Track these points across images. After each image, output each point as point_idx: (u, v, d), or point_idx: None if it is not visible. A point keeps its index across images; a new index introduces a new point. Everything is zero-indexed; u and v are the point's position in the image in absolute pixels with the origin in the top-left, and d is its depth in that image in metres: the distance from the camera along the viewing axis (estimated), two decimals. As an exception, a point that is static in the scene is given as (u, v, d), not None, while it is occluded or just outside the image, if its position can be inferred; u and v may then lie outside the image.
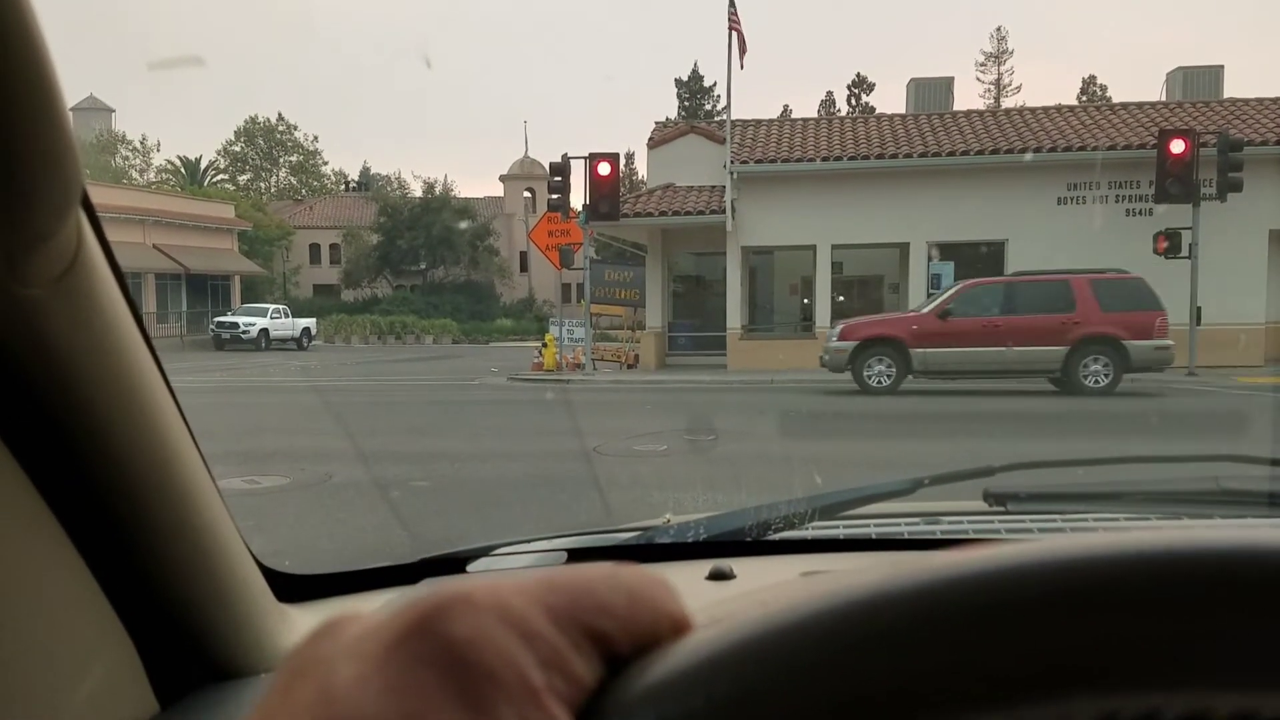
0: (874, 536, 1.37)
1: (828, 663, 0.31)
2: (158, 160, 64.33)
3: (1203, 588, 0.31)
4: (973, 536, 1.34)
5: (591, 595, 0.33)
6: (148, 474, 0.73)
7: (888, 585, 0.32)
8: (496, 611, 0.31)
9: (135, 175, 59.42)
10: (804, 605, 0.33)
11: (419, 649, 0.30)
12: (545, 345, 22.94)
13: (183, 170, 62.48)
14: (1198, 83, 26.59)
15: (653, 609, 0.34)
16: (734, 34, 21.20)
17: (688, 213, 22.20)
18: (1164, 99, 26.15)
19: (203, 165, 64.21)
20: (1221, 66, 27.04)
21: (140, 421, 0.72)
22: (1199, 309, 18.77)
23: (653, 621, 0.34)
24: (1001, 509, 1.41)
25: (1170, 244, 18.98)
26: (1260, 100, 23.01)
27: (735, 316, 22.44)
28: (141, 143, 61.89)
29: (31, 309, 0.58)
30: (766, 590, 0.48)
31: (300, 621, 1.04)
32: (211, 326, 37.87)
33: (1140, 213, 20.88)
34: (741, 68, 21.75)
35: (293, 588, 1.12)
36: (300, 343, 38.30)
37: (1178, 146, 18.41)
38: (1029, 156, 20.52)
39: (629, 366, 23.19)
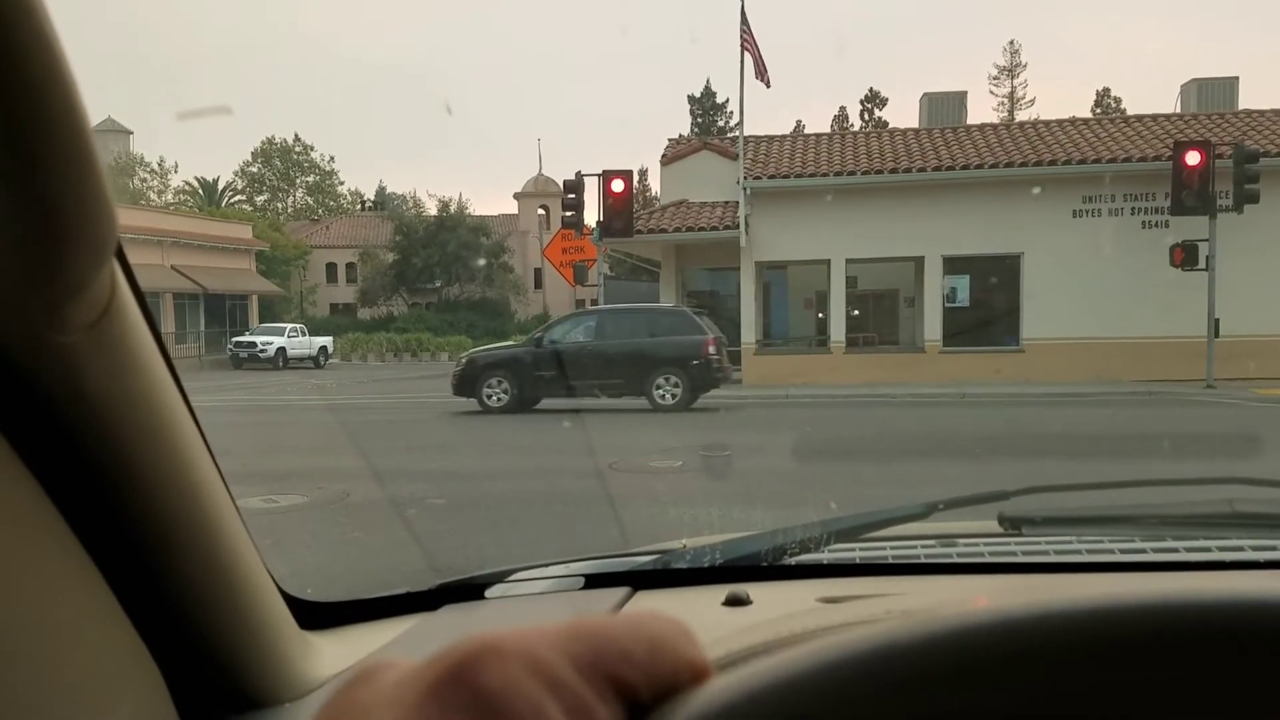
0: (890, 560, 1.37)
1: (838, 713, 0.33)
2: (175, 181, 64.88)
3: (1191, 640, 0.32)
4: (988, 560, 1.34)
5: (614, 644, 0.34)
6: (176, 511, 0.75)
7: (896, 638, 0.34)
8: (524, 661, 0.32)
9: (153, 196, 59.96)
10: (817, 656, 0.34)
11: (452, 698, 0.31)
12: (560, 362, 22.95)
13: (200, 191, 63.02)
14: (1212, 94, 26.49)
15: (673, 657, 0.35)
16: (746, 53, 21.25)
17: (701, 228, 22.23)
18: (1178, 111, 26.04)
19: (220, 186, 64.77)
20: (1236, 78, 26.93)
21: (170, 461, 0.74)
22: (1216, 321, 18.65)
23: (673, 669, 0.35)
24: (1017, 532, 1.42)
25: (1187, 256, 18.89)
26: (1276, 111, 22.91)
27: (750, 331, 22.43)
28: (159, 164, 62.56)
29: (67, 355, 0.60)
30: (782, 621, 0.49)
31: (322, 649, 1.06)
32: (229, 346, 38.09)
33: (1156, 225, 20.78)
34: (768, 86, 21.71)
35: (314, 615, 1.13)
36: (317, 361, 38.46)
37: (1193, 158, 18.34)
38: (1037, 190, 20.44)
39: (644, 382, 23.15)
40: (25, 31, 0.45)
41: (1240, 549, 1.33)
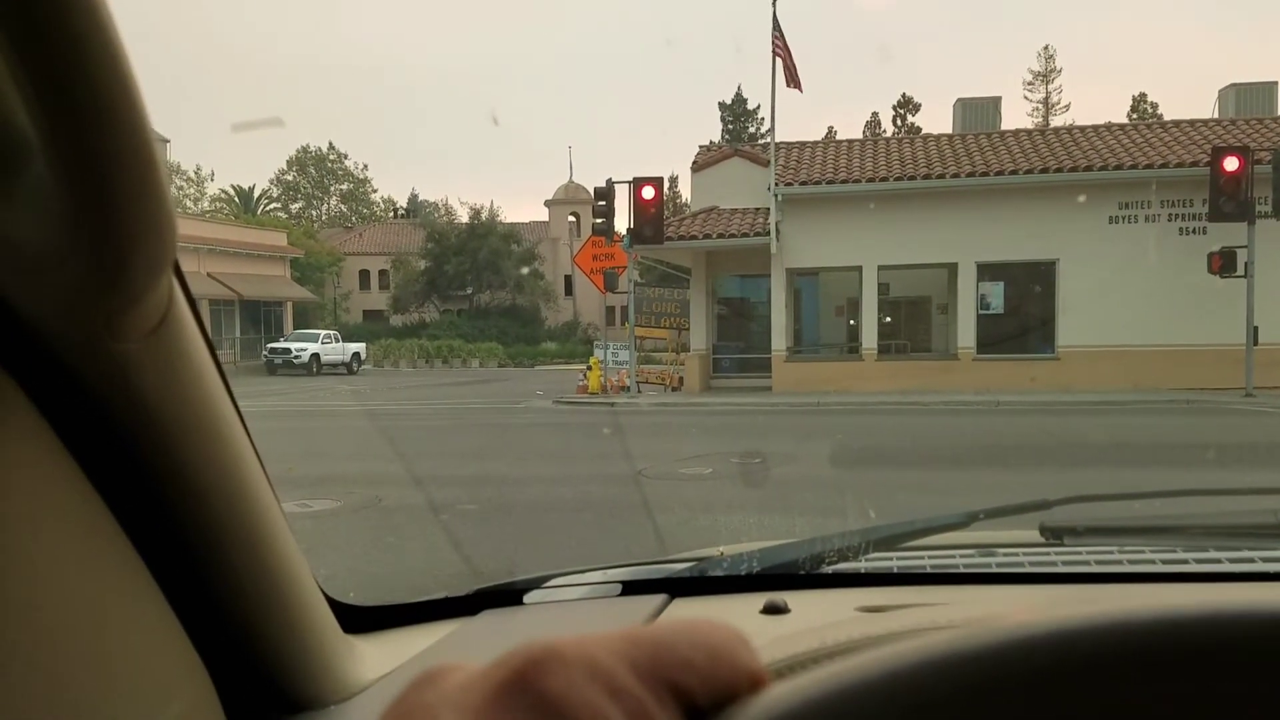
0: (929, 569, 1.36)
1: None
2: (212, 189, 65.76)
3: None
4: (1029, 570, 1.33)
5: (673, 651, 0.35)
6: (226, 515, 0.77)
7: (955, 648, 0.34)
8: (585, 667, 0.33)
9: (189, 204, 60.77)
10: (874, 665, 0.35)
11: (516, 702, 0.32)
12: (590, 368, 23.03)
13: (236, 199, 63.82)
14: (1251, 99, 26.09)
15: (731, 665, 0.36)
16: (778, 59, 21.21)
17: (732, 235, 22.20)
18: (1216, 116, 25.71)
19: (256, 194, 65.55)
20: (1275, 83, 26.49)
21: (221, 466, 0.75)
22: (1255, 328, 18.37)
23: (731, 677, 0.35)
24: (1058, 542, 1.40)
25: (1225, 263, 18.62)
26: (1317, 115, 22.54)
27: (780, 338, 22.36)
28: (196, 172, 63.41)
29: (125, 362, 0.62)
30: (823, 631, 0.49)
31: (365, 652, 1.07)
32: (264, 352, 38.53)
33: (1194, 231, 20.50)
34: (800, 90, 21.65)
35: (357, 619, 1.15)
36: (350, 367, 38.80)
37: (1231, 164, 18.07)
38: (1081, 199, 20.16)
39: (673, 389, 23.18)
40: (94, 44, 0.46)
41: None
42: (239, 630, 0.83)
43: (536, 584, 1.38)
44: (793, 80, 21.44)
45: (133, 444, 0.67)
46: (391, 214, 70.18)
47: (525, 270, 51.63)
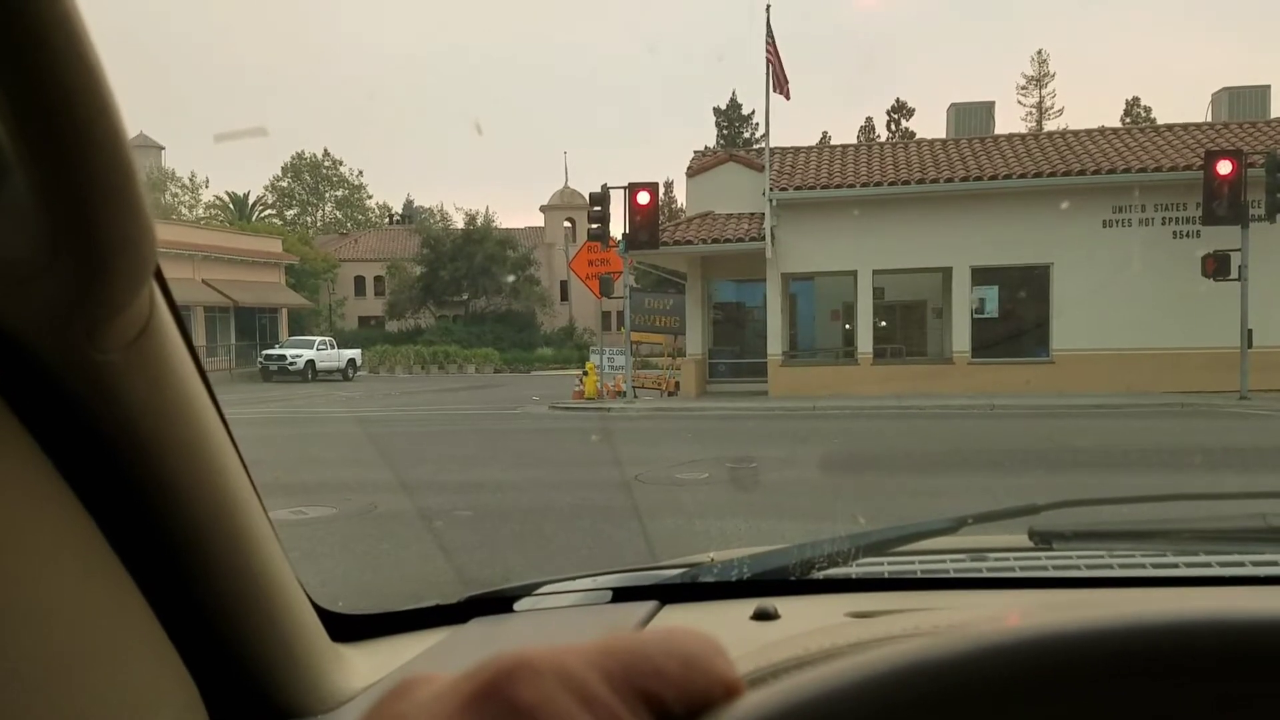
0: (919, 575, 1.36)
1: None
2: (206, 196, 65.72)
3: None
4: (1019, 575, 1.33)
5: (647, 659, 0.34)
6: (211, 525, 0.76)
7: (927, 655, 0.34)
8: (558, 676, 0.32)
9: (184, 211, 60.73)
10: (849, 672, 0.35)
11: (488, 712, 0.32)
12: (586, 373, 23.03)
13: (231, 206, 63.77)
14: (1244, 103, 26.18)
15: (706, 673, 0.35)
16: (771, 65, 21.26)
17: (727, 240, 22.23)
18: (1210, 120, 25.78)
19: (250, 201, 65.50)
20: (1268, 86, 26.60)
21: (205, 475, 0.75)
22: (1250, 331, 18.41)
23: (705, 685, 0.35)
24: (1047, 547, 1.40)
25: (1219, 266, 18.67)
26: (1310, 119, 22.60)
27: (776, 343, 22.38)
28: (190, 179, 63.47)
29: (107, 371, 0.61)
30: (811, 637, 0.49)
31: (354, 661, 1.06)
32: (259, 359, 38.47)
33: (1187, 235, 20.56)
34: (787, 98, 21.71)
35: (346, 627, 1.14)
36: (346, 374, 38.75)
37: (1225, 167, 18.14)
38: (1064, 205, 20.20)
39: (669, 394, 23.18)
40: (67, 57, 0.46)
41: (1274, 564, 1.31)
42: (225, 639, 0.82)
43: (527, 591, 1.38)
44: (781, 87, 21.48)
45: (115, 453, 0.67)
46: (387, 220, 70.15)
47: (520, 276, 51.64)
